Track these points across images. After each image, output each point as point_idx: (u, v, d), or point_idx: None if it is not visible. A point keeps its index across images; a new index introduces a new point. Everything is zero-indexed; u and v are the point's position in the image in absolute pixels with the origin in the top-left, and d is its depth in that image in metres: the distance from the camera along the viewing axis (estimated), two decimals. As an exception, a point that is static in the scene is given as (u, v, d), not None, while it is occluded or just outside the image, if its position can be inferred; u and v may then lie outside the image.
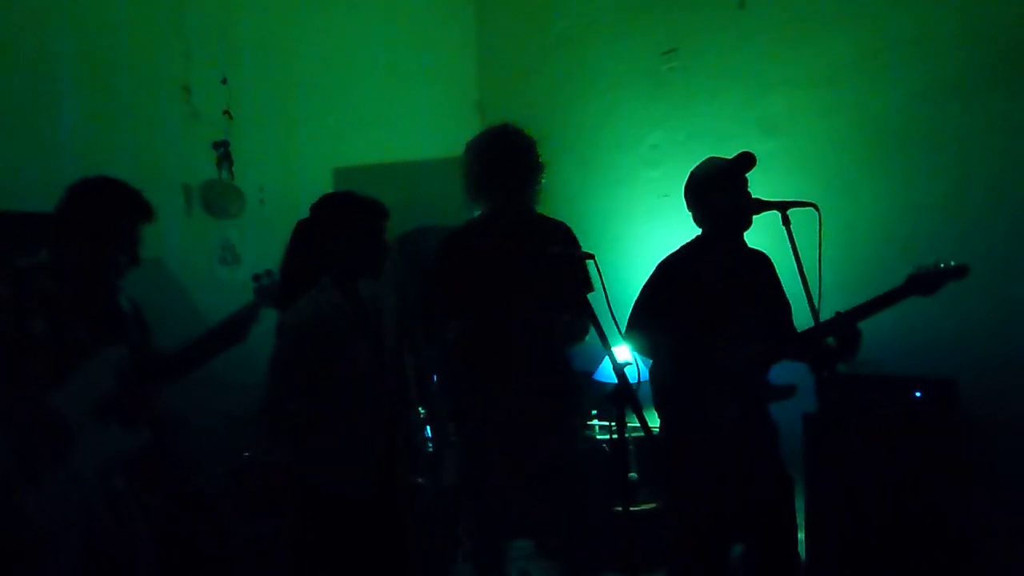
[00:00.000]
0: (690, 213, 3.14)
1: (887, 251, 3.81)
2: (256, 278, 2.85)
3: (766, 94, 4.38)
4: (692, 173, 3.12)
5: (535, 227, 3.10)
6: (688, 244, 3.15)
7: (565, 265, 2.92)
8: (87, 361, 2.49)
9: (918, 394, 3.41)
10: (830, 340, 2.90)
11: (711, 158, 3.10)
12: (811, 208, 2.76)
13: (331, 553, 2.63)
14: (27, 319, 2.43)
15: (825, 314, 2.84)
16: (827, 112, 4.15)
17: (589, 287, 3.04)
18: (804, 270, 2.62)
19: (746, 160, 2.88)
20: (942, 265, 2.82)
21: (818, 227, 2.73)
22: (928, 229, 3.71)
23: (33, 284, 2.48)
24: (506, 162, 3.06)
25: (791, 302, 3.11)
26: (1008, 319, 3.51)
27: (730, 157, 3.03)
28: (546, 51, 5.56)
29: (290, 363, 2.61)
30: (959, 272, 2.82)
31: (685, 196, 3.13)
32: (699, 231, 3.14)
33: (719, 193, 2.97)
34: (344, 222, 2.74)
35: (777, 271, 3.17)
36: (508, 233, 3.03)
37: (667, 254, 3.16)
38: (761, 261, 3.17)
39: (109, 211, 2.57)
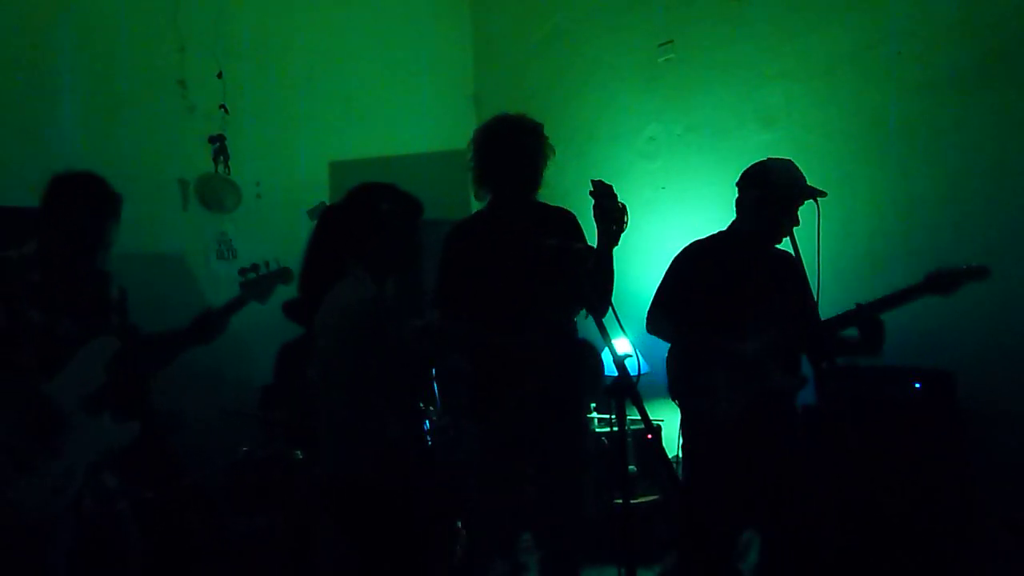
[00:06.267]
0: (738, 197, 3.11)
1: (885, 243, 3.81)
2: (242, 272, 2.84)
3: (763, 86, 4.37)
4: (760, 165, 3.07)
5: (538, 218, 3.09)
6: (718, 233, 3.15)
7: (564, 258, 2.91)
8: (77, 352, 2.50)
9: (917, 386, 3.41)
10: (853, 332, 2.88)
11: (786, 163, 3.06)
12: (809, 200, 2.77)
13: (363, 543, 2.61)
14: (19, 310, 2.44)
15: (824, 305, 2.84)
16: (825, 104, 4.14)
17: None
18: (803, 261, 2.62)
19: (819, 195, 2.88)
20: (963, 266, 2.78)
21: (816, 219, 2.73)
22: (926, 221, 3.71)
23: (22, 275, 2.50)
24: (507, 152, 3.04)
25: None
26: (1006, 311, 3.51)
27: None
28: (542, 44, 5.55)
29: (356, 372, 2.55)
30: (980, 273, 2.78)
31: (746, 182, 3.10)
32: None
33: (768, 204, 2.96)
34: (383, 216, 2.65)
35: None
36: (512, 225, 3.02)
37: (695, 239, 3.16)
38: (787, 260, 3.11)
39: (78, 208, 2.57)
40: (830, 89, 4.11)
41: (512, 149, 3.03)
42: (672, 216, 4.58)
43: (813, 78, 4.18)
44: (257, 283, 2.85)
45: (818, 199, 2.80)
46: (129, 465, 2.68)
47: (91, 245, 2.58)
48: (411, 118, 5.58)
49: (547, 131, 3.09)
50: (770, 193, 2.97)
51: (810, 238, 2.67)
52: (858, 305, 2.81)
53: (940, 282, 2.80)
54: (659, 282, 3.12)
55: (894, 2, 3.87)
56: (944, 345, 3.56)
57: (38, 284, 2.51)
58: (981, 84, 3.60)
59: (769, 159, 3.09)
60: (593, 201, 2.81)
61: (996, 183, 3.57)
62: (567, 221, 3.16)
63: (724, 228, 3.17)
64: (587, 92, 5.26)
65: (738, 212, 3.11)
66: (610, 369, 2.65)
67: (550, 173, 3.25)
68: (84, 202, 2.57)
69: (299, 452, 3.77)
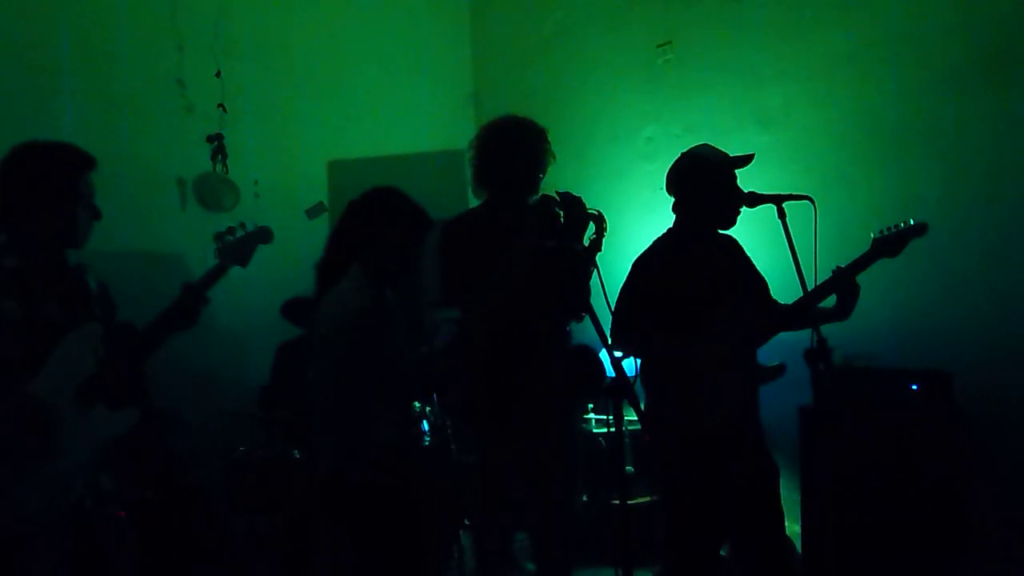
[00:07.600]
0: (677, 195, 3.04)
1: (883, 244, 3.81)
2: (218, 237, 2.66)
3: (762, 87, 4.38)
4: (683, 158, 3.02)
5: (534, 218, 3.08)
6: (661, 239, 3.07)
7: (562, 258, 2.91)
8: (62, 341, 2.38)
9: (914, 387, 3.41)
10: (828, 303, 2.88)
11: (704, 146, 3.02)
12: (807, 201, 2.76)
13: (355, 541, 2.61)
14: None
15: (822, 304, 2.85)
16: (823, 105, 4.15)
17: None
18: (800, 263, 2.62)
19: (747, 161, 2.87)
20: (902, 225, 2.83)
21: (814, 220, 2.73)
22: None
23: None
24: (514, 154, 3.03)
25: (787, 295, 3.09)
26: (1002, 311, 3.52)
27: (721, 148, 3.00)
28: (541, 43, 5.55)
29: (351, 373, 2.56)
30: (919, 230, 2.82)
31: (669, 181, 3.04)
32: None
33: (710, 187, 2.93)
34: (380, 222, 2.67)
35: (753, 257, 3.13)
36: (511, 226, 3.01)
37: (643, 250, 3.07)
38: (732, 245, 3.11)
39: (51, 168, 2.40)
40: (829, 90, 4.12)
41: (520, 151, 3.02)
42: (670, 217, 4.56)
43: (812, 79, 4.18)
44: (235, 246, 2.64)
45: (814, 202, 2.79)
46: (128, 465, 2.66)
47: (76, 204, 2.41)
48: (410, 117, 5.58)
49: (546, 131, 3.09)
50: (710, 173, 2.94)
51: (807, 239, 2.66)
52: (837, 267, 2.82)
53: (887, 244, 2.82)
54: (616, 299, 3.02)
55: (892, 3, 3.88)
56: (941, 346, 3.57)
57: (12, 272, 2.36)
58: (979, 85, 3.61)
59: (687, 151, 3.05)
60: (562, 213, 2.77)
61: (993, 183, 3.58)
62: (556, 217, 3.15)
63: (665, 231, 3.10)
64: (586, 92, 5.26)
65: (683, 209, 3.04)
66: (608, 370, 2.65)
67: (550, 173, 3.25)
68: (57, 159, 2.41)
69: (297, 452, 3.78)
